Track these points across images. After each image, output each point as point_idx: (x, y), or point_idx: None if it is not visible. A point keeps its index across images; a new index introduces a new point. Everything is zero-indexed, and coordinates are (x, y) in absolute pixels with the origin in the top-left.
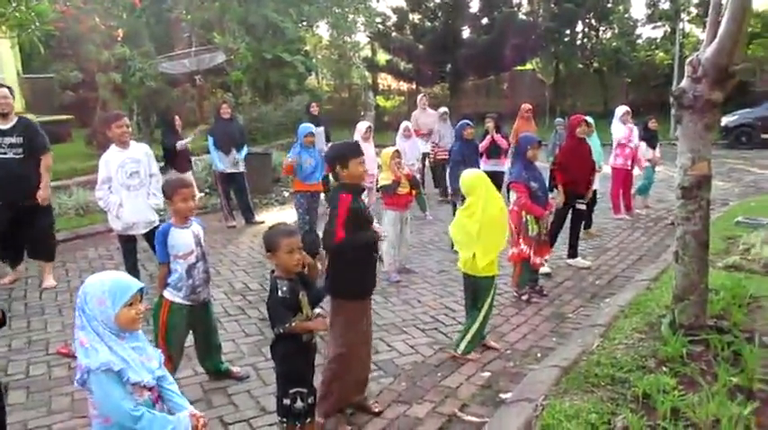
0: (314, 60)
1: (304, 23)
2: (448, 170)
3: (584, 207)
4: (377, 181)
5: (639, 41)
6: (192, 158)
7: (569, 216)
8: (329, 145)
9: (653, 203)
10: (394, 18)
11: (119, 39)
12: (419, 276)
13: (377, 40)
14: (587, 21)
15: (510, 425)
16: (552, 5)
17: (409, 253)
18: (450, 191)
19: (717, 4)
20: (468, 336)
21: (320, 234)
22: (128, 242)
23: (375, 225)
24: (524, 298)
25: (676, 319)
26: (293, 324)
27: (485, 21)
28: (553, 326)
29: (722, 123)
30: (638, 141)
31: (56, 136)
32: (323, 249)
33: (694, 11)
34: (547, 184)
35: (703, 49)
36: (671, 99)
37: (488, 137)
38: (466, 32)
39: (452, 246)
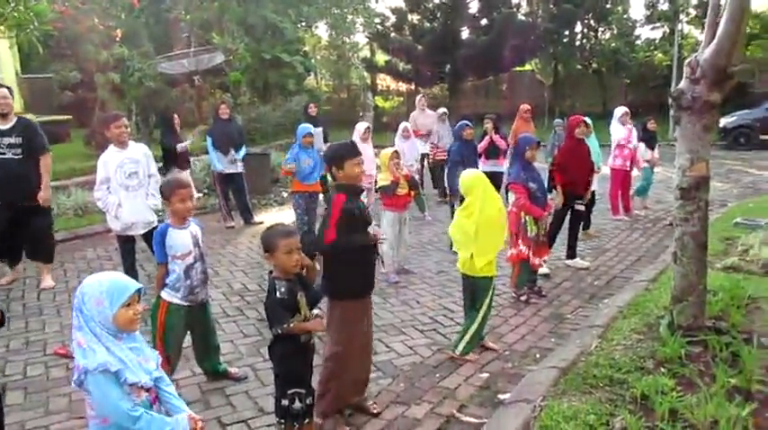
0: (313, 61)
1: (303, 24)
2: (446, 170)
3: (582, 208)
4: (376, 181)
5: (638, 42)
6: (191, 159)
7: (568, 217)
8: (327, 145)
9: (651, 204)
10: (393, 18)
11: (117, 39)
12: (418, 277)
13: (376, 41)
14: (586, 21)
15: (508, 425)
16: (551, 6)
17: (408, 253)
18: (448, 191)
19: (715, 5)
20: (467, 337)
21: None
22: (126, 242)
23: (373, 227)
24: (523, 298)
25: (675, 320)
26: (291, 325)
27: (484, 21)
28: (552, 326)
29: (721, 124)
30: (636, 142)
31: (54, 136)
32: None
33: (693, 12)
34: (546, 185)
35: (702, 50)
36: (669, 100)
37: (487, 137)
38: (465, 33)
39: (451, 246)
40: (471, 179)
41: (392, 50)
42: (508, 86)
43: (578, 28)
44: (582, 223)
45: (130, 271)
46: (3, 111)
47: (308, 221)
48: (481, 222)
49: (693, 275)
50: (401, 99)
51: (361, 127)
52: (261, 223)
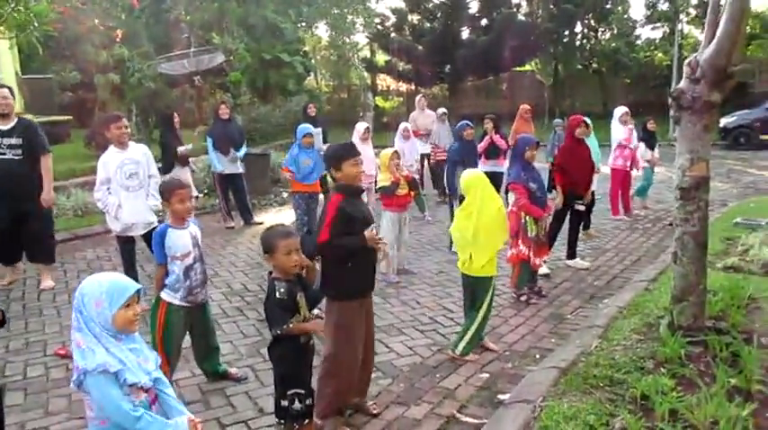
0: (313, 61)
1: (303, 24)
2: (446, 170)
3: (582, 208)
4: (376, 182)
5: (638, 42)
6: (191, 159)
7: (568, 217)
8: (326, 146)
9: (651, 204)
10: (393, 19)
11: (117, 39)
12: (418, 277)
13: (376, 41)
14: (586, 21)
15: (508, 426)
16: (551, 6)
17: (408, 254)
18: (447, 191)
19: (715, 5)
20: (467, 337)
21: None
22: (126, 243)
23: (373, 228)
24: (523, 299)
25: (675, 320)
26: (291, 325)
27: (484, 22)
28: (552, 327)
29: (721, 124)
30: (637, 142)
31: (54, 137)
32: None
33: (693, 12)
34: (546, 185)
35: (702, 49)
36: (669, 100)
37: (487, 137)
38: (465, 33)
39: (451, 246)
40: (471, 179)
41: (392, 50)
42: (508, 86)
43: (578, 28)
44: (582, 223)
45: (130, 271)
46: (3, 112)
47: (308, 222)
48: (480, 222)
49: (693, 275)
50: (401, 99)
51: (360, 127)
52: (261, 223)
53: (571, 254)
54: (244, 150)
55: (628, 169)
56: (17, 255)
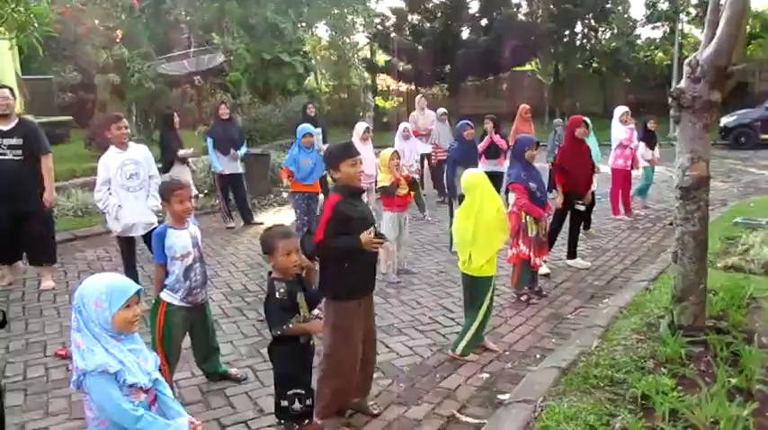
0: (313, 61)
1: (303, 24)
2: (445, 170)
3: (582, 208)
4: (376, 182)
5: (639, 42)
6: (191, 160)
7: (568, 217)
8: (325, 146)
9: (652, 204)
10: (393, 19)
11: (117, 40)
12: (418, 277)
13: (376, 41)
14: (586, 21)
15: (508, 426)
16: (551, 6)
17: (408, 254)
18: (446, 190)
19: (715, 4)
20: (467, 337)
21: None
22: (127, 243)
23: (374, 228)
24: (523, 299)
25: (675, 320)
26: (291, 326)
27: (484, 22)
28: (552, 326)
29: (721, 124)
30: (637, 142)
31: (55, 137)
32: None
33: (693, 11)
34: (546, 185)
35: (702, 49)
36: (669, 99)
37: (487, 137)
38: (465, 33)
39: (450, 246)
40: (471, 178)
41: (392, 51)
42: (508, 86)
43: (578, 28)
44: (582, 223)
45: (131, 271)
46: (4, 112)
47: (308, 222)
48: (479, 222)
49: (694, 275)
50: (401, 99)
51: (360, 127)
52: (261, 223)
53: (571, 253)
54: (244, 149)
55: (629, 169)
56: (16, 255)
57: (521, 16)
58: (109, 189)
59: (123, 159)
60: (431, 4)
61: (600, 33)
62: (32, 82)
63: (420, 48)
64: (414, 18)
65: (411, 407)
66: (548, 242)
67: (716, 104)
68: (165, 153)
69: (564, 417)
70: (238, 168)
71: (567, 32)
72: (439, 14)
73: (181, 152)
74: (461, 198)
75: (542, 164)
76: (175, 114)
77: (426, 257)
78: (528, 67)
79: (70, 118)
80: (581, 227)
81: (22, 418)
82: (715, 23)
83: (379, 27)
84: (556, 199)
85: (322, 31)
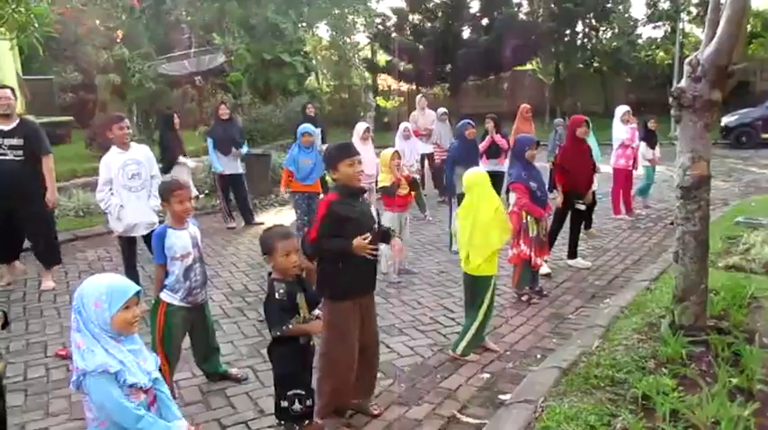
0: (314, 61)
1: (304, 24)
2: (446, 169)
3: (583, 207)
4: (376, 182)
5: (640, 41)
6: (192, 160)
7: (569, 216)
8: (325, 146)
9: (653, 203)
10: (394, 19)
11: (118, 40)
12: (419, 277)
13: (377, 41)
14: (587, 21)
15: (509, 426)
16: (552, 5)
17: (409, 254)
18: (445, 190)
19: (716, 4)
20: (467, 337)
21: None
22: (128, 244)
23: (360, 240)
24: (524, 299)
25: (676, 320)
26: (290, 326)
27: (485, 21)
28: (553, 326)
29: (722, 123)
30: (638, 141)
31: (55, 137)
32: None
33: (694, 11)
34: (547, 185)
35: (703, 48)
36: (670, 99)
37: (488, 137)
38: (466, 33)
39: (450, 246)
40: (472, 178)
41: (393, 50)
42: (509, 86)
43: (579, 27)
44: (583, 223)
45: (131, 272)
46: (5, 112)
47: (308, 222)
48: (477, 222)
49: (695, 275)
50: (402, 99)
51: (360, 128)
52: (262, 224)
53: (572, 253)
54: (246, 148)
55: (630, 169)
56: (15, 255)
57: (521, 16)
58: (111, 189)
59: (125, 159)
60: (431, 4)
61: (601, 33)
62: (33, 82)
63: (421, 47)
64: (414, 18)
65: (412, 408)
66: (548, 242)
67: (717, 104)
68: (166, 153)
69: (565, 418)
70: (239, 168)
71: (567, 32)
72: (440, 14)
73: (181, 158)
74: (461, 197)
75: (543, 163)
76: (176, 115)
77: (427, 257)
78: (529, 66)
79: (71, 118)
80: (582, 226)
81: (22, 419)
82: (716, 23)
83: (379, 27)
84: (556, 199)
85: (323, 31)
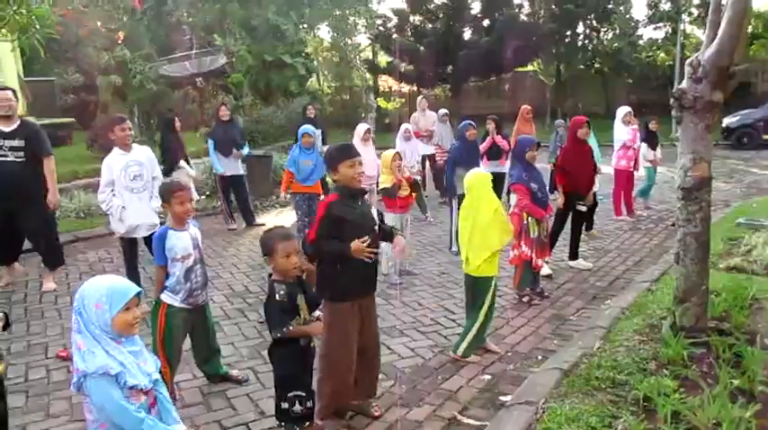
0: (315, 62)
1: (305, 26)
2: (446, 170)
3: (584, 208)
4: (377, 183)
5: (641, 42)
6: (192, 169)
7: (570, 217)
8: (325, 147)
9: (654, 204)
10: (395, 20)
11: (119, 41)
12: (419, 278)
13: (378, 42)
14: (588, 22)
15: (510, 428)
16: (553, 6)
17: (413, 252)
18: (446, 190)
19: (717, 5)
20: (468, 338)
21: None
22: (130, 245)
23: (358, 243)
24: (525, 300)
25: (677, 321)
26: (291, 328)
27: (486, 22)
28: (554, 328)
29: (723, 124)
30: (639, 143)
31: (57, 139)
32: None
33: (695, 12)
34: (548, 186)
35: (704, 49)
36: (671, 100)
37: (489, 138)
38: (467, 34)
39: (451, 246)
40: (473, 179)
41: (394, 52)
42: (510, 87)
43: (580, 28)
44: (585, 224)
45: (132, 273)
46: (6, 114)
47: (309, 223)
48: (476, 223)
49: (696, 276)
50: (403, 100)
51: (360, 129)
52: (263, 225)
53: (573, 254)
54: (247, 150)
55: (632, 170)
56: (14, 256)
57: (522, 17)
58: (113, 190)
59: (127, 161)
60: (432, 5)
61: (602, 34)
62: (34, 84)
63: (422, 49)
64: (415, 19)
65: (412, 409)
66: (549, 243)
67: (718, 105)
68: (167, 155)
69: (566, 419)
70: (240, 170)
71: (568, 33)
72: (441, 15)
73: (182, 164)
74: (461, 198)
75: (544, 164)
76: (176, 118)
77: (428, 258)
78: (530, 67)
79: (72, 120)
80: (583, 227)
81: (23, 420)
82: (717, 24)
83: (380, 28)
84: (557, 200)
85: (324, 32)
